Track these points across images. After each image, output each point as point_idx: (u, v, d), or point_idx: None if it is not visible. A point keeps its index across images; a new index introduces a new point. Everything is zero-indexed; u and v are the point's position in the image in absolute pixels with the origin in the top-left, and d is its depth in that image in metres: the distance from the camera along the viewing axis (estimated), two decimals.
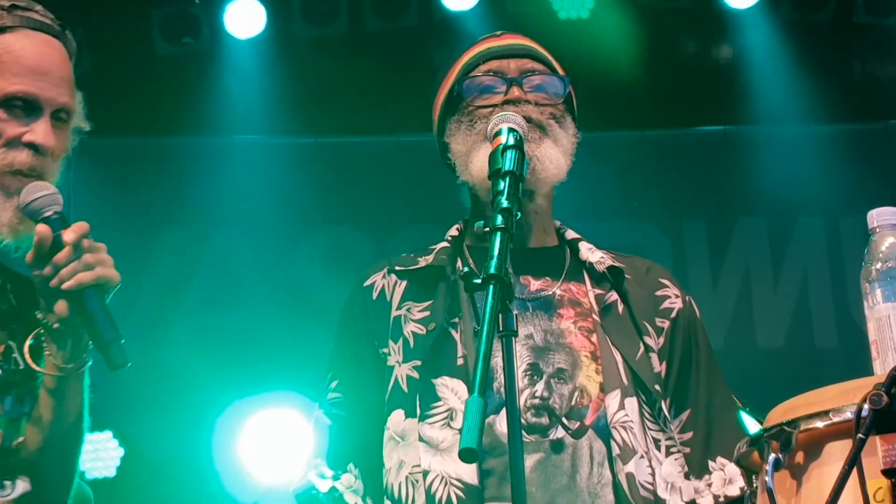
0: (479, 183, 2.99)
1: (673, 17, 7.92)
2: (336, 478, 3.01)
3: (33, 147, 2.60)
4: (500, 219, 2.44)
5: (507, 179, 2.55)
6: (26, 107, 2.62)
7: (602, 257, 3.11)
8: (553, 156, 2.99)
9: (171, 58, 7.62)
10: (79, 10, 7.28)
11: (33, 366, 2.58)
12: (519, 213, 2.49)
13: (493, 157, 2.65)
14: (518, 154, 2.62)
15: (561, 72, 3.14)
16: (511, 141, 2.66)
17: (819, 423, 2.01)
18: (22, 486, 2.59)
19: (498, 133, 2.71)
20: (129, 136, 7.75)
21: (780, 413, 2.10)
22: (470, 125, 3.03)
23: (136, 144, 7.77)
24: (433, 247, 3.17)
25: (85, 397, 2.66)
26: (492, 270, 2.33)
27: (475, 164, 2.99)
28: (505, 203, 2.49)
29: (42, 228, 2.50)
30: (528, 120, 2.90)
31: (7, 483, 2.59)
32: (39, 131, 2.60)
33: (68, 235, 2.50)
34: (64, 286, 2.47)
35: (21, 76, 2.61)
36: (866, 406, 1.90)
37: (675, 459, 2.97)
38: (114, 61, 7.60)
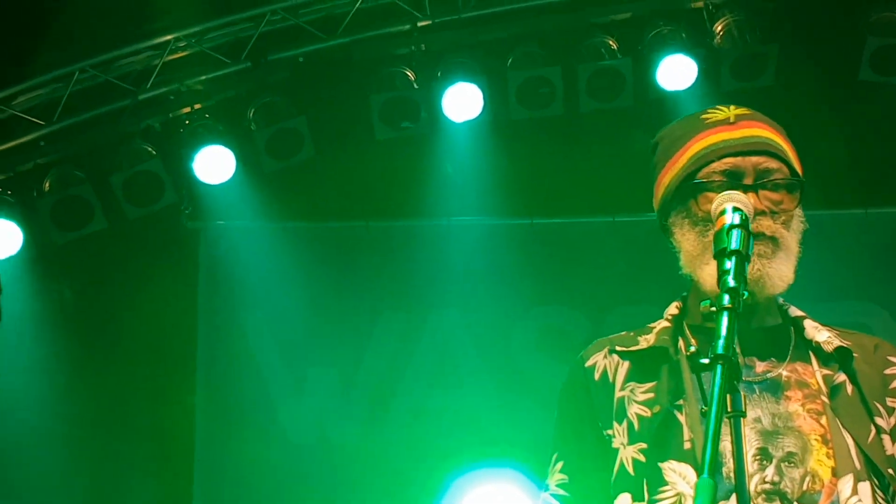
0: (709, 291, 2.91)
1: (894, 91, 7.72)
2: None
3: None
4: (726, 298, 2.45)
5: (734, 259, 2.54)
6: None
7: (829, 337, 3.01)
8: (783, 272, 2.92)
9: (390, 142, 7.80)
10: (301, 98, 7.56)
11: None
12: (746, 293, 2.48)
13: (717, 237, 2.64)
14: (744, 233, 2.60)
15: (798, 168, 3.05)
16: (736, 220, 2.64)
17: None
18: None
19: (722, 213, 2.70)
20: (351, 221, 7.96)
21: None
22: (703, 231, 2.98)
23: (358, 228, 7.97)
24: (652, 325, 3.13)
25: None
26: (719, 350, 2.33)
27: (705, 273, 2.94)
28: (731, 283, 2.49)
29: None
30: (760, 236, 2.86)
31: None
32: None
33: None
34: None
35: None
36: None
37: None
38: (336, 148, 7.84)
